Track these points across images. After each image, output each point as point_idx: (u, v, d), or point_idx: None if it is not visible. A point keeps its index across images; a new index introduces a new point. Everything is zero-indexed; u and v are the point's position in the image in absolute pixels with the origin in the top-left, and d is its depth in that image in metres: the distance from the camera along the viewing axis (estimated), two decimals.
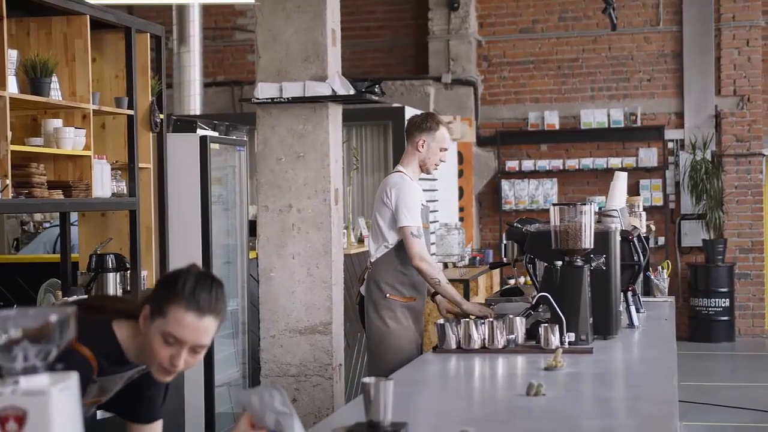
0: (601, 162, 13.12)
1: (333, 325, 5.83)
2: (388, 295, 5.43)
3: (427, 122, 5.52)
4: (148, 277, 6.12)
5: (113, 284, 5.67)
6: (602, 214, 5.46)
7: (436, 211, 10.81)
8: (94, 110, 5.55)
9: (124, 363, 2.83)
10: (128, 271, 5.85)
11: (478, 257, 11.20)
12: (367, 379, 2.87)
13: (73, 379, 1.86)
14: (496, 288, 10.86)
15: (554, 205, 4.64)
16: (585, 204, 4.60)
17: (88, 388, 2.79)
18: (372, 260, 5.53)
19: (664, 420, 3.08)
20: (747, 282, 13.04)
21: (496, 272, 11.53)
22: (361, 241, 8.59)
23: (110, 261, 5.69)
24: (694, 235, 13.02)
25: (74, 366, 2.58)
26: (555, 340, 4.37)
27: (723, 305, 12.65)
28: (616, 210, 5.51)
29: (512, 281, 10.49)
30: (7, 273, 6.68)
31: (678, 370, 8.53)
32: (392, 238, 5.40)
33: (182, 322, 2.68)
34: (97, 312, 2.85)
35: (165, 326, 2.69)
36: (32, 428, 1.80)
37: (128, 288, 5.87)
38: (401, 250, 5.37)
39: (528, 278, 6.26)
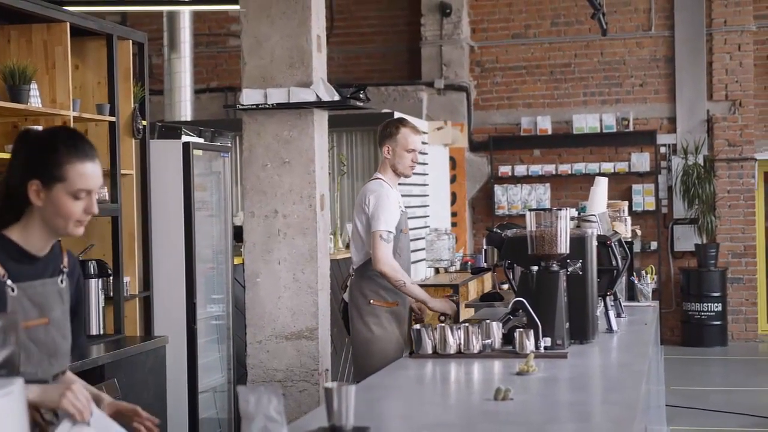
0: (593, 167, 13.11)
1: (319, 330, 5.84)
2: (372, 301, 5.47)
3: (387, 128, 5.58)
4: (131, 283, 6.13)
5: (95, 291, 5.67)
6: (581, 219, 5.47)
7: (427, 216, 10.83)
8: (75, 117, 5.56)
9: (32, 259, 2.93)
10: (110, 278, 5.86)
11: (470, 262, 11.19)
12: (328, 385, 2.91)
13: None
14: None
15: (530, 210, 4.65)
16: (561, 209, 4.61)
17: (22, 303, 2.84)
18: (354, 267, 5.56)
19: (625, 423, 3.10)
20: (739, 286, 13.04)
21: (488, 277, 11.53)
22: (348, 246, 8.60)
23: (92, 267, 5.69)
24: (686, 239, 13.03)
25: None
26: (530, 345, 4.37)
27: (715, 310, 12.65)
28: (594, 215, 5.52)
29: (505, 286, 10.47)
30: None
31: (669, 374, 8.57)
32: None
33: (85, 174, 2.88)
34: None
35: (71, 186, 2.86)
36: None
37: (111, 294, 5.88)
38: None
39: None
